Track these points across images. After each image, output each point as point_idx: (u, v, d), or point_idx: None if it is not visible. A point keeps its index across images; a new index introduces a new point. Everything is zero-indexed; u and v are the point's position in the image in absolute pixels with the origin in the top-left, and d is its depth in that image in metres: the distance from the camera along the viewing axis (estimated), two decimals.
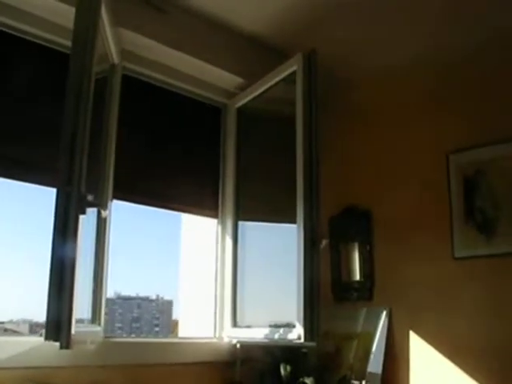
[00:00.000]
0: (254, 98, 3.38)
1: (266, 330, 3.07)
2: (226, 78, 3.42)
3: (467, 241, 3.17)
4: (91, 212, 2.60)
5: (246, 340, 3.20)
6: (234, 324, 3.29)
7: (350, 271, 3.63)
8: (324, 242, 2.77)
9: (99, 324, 2.69)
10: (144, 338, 3.36)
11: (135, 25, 2.94)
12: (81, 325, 2.55)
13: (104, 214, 2.42)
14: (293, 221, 2.91)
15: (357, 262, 3.59)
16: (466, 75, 3.33)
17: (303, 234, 2.76)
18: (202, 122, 3.52)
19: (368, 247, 3.54)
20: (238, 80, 3.44)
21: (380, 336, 3.34)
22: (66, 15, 2.41)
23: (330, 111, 3.64)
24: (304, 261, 2.72)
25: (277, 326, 3.09)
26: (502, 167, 3.10)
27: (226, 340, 3.27)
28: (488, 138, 3.15)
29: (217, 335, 3.32)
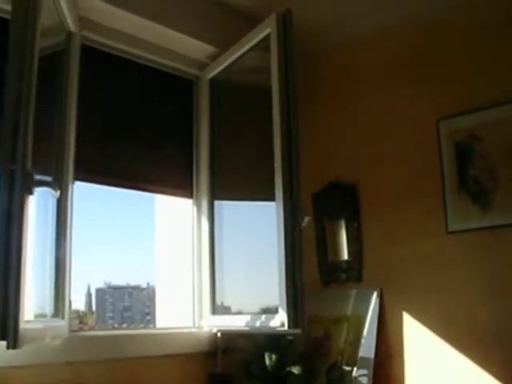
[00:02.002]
0: (227, 68, 3.14)
1: (248, 317, 2.83)
2: (197, 48, 3.16)
3: (461, 213, 2.94)
4: (48, 194, 2.39)
5: (226, 328, 2.97)
6: (214, 311, 3.06)
7: (336, 251, 3.41)
8: (306, 220, 2.54)
9: (63, 317, 2.46)
10: (118, 329, 3.11)
11: None
12: (42, 319, 2.33)
13: (56, 194, 2.17)
14: (273, 198, 2.67)
15: (344, 241, 3.37)
16: (453, 35, 3.09)
17: (283, 211, 2.53)
18: (172, 95, 3.26)
19: (355, 224, 3.31)
20: (210, 49, 3.19)
21: (371, 319, 3.12)
22: None
23: (310, 80, 3.42)
24: (285, 241, 2.49)
25: (261, 312, 2.87)
26: (498, 132, 2.86)
27: (205, 329, 3.04)
28: (482, 101, 2.91)
29: (196, 324, 3.09)
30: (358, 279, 3.29)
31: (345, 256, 3.35)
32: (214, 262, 3.11)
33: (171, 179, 3.18)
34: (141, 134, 3.06)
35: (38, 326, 2.17)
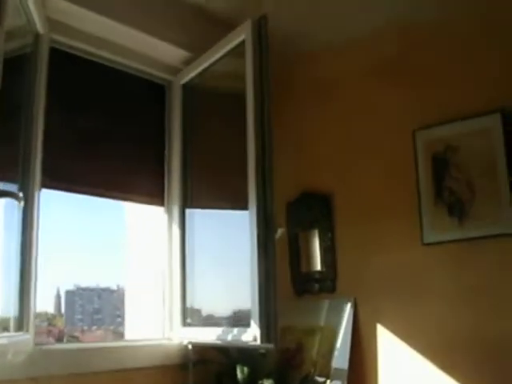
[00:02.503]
0: (201, 74, 3.06)
1: (220, 330, 2.76)
2: (170, 52, 3.08)
3: (437, 224, 2.92)
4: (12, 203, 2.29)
5: (198, 341, 2.89)
6: (185, 323, 2.98)
7: (310, 261, 3.35)
8: (280, 231, 2.49)
9: (27, 330, 2.36)
10: (85, 343, 3.02)
11: None
12: (5, 334, 2.23)
13: (21, 204, 2.08)
14: (246, 207, 2.61)
15: (318, 251, 3.32)
16: (430, 44, 3.06)
17: (256, 221, 2.47)
18: (143, 100, 3.18)
19: (329, 234, 3.27)
20: (183, 54, 3.11)
21: (345, 330, 3.08)
22: None
23: (283, 88, 3.37)
24: (258, 253, 2.43)
25: (232, 320, 2.81)
26: (474, 143, 2.84)
27: (176, 341, 2.96)
28: (458, 112, 2.89)
29: (166, 335, 3.00)
30: (332, 290, 3.24)
31: (318, 266, 3.31)
32: (185, 271, 3.03)
33: (142, 186, 3.09)
34: (111, 139, 2.96)
35: (2, 341, 2.08)
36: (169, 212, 3.12)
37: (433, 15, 2.98)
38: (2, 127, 1.90)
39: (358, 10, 3.06)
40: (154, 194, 3.12)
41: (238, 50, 2.76)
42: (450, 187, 2.89)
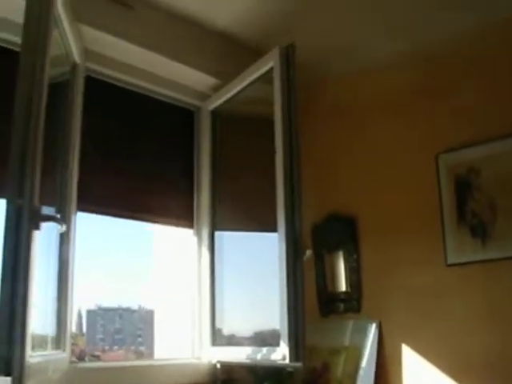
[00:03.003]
0: (229, 99, 3.15)
1: (249, 350, 2.83)
2: (199, 79, 3.19)
3: (460, 246, 2.97)
4: (52, 225, 2.39)
5: (226, 360, 2.96)
6: (214, 342, 3.04)
7: (336, 281, 3.41)
8: (308, 253, 2.55)
9: (64, 349, 2.45)
10: (120, 361, 3.09)
11: (99, 22, 2.70)
12: (43, 352, 2.31)
13: (61, 229, 2.17)
14: (274, 229, 2.68)
15: (343, 272, 3.37)
16: (454, 69, 3.14)
17: (285, 244, 2.54)
18: (174, 125, 3.29)
19: (354, 256, 3.33)
20: (212, 80, 3.21)
21: (370, 350, 3.12)
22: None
23: (310, 111, 3.45)
24: (287, 275, 2.49)
25: (260, 341, 2.87)
26: (497, 166, 2.90)
27: (205, 360, 3.02)
28: (481, 135, 2.95)
29: (195, 355, 3.07)
30: (357, 310, 3.29)
31: (344, 287, 3.36)
32: (214, 292, 3.11)
33: (172, 209, 3.18)
34: (142, 164, 3.06)
35: (41, 359, 2.16)
36: (198, 234, 3.20)
37: (454, 40, 3.07)
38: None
39: (383, 37, 3.16)
40: (184, 217, 3.21)
41: (266, 76, 2.85)
42: (472, 209, 2.95)
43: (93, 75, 2.86)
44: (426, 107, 3.19)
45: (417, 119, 3.22)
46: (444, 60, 3.17)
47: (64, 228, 2.17)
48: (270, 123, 2.77)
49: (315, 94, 3.57)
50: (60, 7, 2.23)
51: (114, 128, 2.99)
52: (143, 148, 3.09)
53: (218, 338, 3.09)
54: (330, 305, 3.39)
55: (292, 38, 2.79)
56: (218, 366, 2.99)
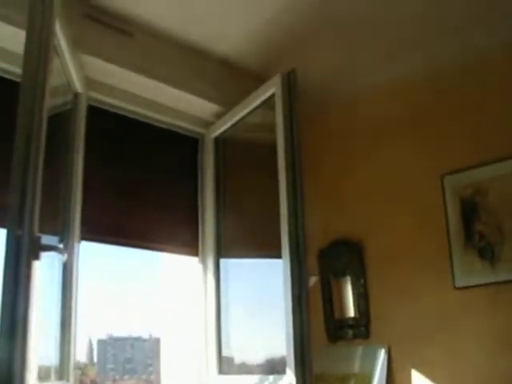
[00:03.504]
0: (232, 126, 3.15)
1: (255, 378, 2.78)
2: (202, 106, 3.19)
3: (468, 268, 2.93)
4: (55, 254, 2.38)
5: None
6: (221, 371, 3.00)
7: (343, 308, 3.37)
8: (313, 279, 2.52)
9: (67, 379, 2.41)
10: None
11: (99, 51, 2.72)
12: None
13: (64, 258, 2.16)
14: (279, 255, 2.66)
15: (350, 298, 3.34)
16: (457, 90, 3.13)
17: (290, 270, 2.50)
18: (177, 153, 3.28)
19: (362, 281, 3.29)
20: (215, 107, 3.21)
21: (379, 376, 3.08)
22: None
23: (313, 137, 3.44)
24: (292, 301, 2.46)
25: (270, 370, 2.83)
26: (503, 187, 2.87)
27: None
28: (486, 156, 2.93)
29: (203, 383, 3.03)
30: (366, 336, 3.25)
31: (351, 313, 3.32)
32: (220, 319, 3.07)
33: (177, 237, 3.17)
34: (146, 192, 3.06)
35: None
36: (203, 262, 3.17)
37: (457, 61, 3.06)
38: (43, 180, 1.98)
39: (384, 61, 3.16)
40: (189, 245, 3.18)
41: (269, 103, 2.85)
42: (480, 231, 2.91)
43: (95, 104, 2.87)
44: (429, 129, 3.18)
45: (421, 141, 3.20)
46: (447, 82, 3.16)
47: (66, 257, 2.16)
48: (274, 148, 2.76)
49: (318, 120, 3.56)
50: (60, 36, 2.24)
51: (118, 157, 2.99)
52: (148, 176, 3.08)
53: (226, 366, 3.05)
54: (338, 331, 3.35)
55: (293, 64, 2.80)
56: None
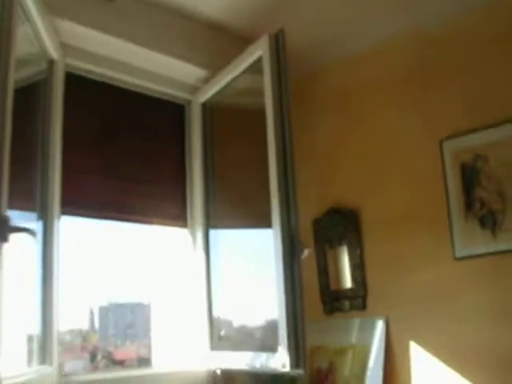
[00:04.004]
0: (220, 92, 2.99)
1: (249, 354, 2.67)
2: (187, 71, 3.03)
3: (469, 238, 2.80)
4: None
5: (226, 367, 2.81)
6: (213, 347, 2.90)
7: (339, 278, 3.26)
8: (306, 252, 2.39)
9: (51, 364, 2.30)
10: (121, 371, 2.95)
11: (79, 15, 2.56)
12: (27, 370, 2.18)
13: (35, 240, 2.03)
14: (271, 225, 2.52)
15: (347, 268, 3.22)
16: (455, 50, 2.96)
17: (281, 243, 2.37)
18: (162, 121, 3.12)
19: (358, 251, 3.17)
20: (201, 72, 3.05)
21: (377, 349, 2.98)
22: None
23: (305, 100, 3.29)
24: (284, 277, 2.33)
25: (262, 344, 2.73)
26: (505, 151, 2.72)
27: (204, 367, 2.87)
28: (487, 119, 2.77)
29: (193, 360, 2.92)
30: (363, 307, 3.14)
31: (348, 284, 3.21)
32: (211, 293, 2.96)
33: (164, 210, 3.02)
34: (131, 163, 2.91)
35: (26, 377, 2.03)
36: (192, 234, 3.05)
37: (455, 18, 2.89)
38: (19, 155, 1.84)
39: (378, 18, 2.98)
40: (177, 217, 3.05)
41: (258, 66, 2.69)
42: (480, 198, 2.78)
43: (74, 72, 2.71)
44: (426, 91, 3.02)
45: (417, 104, 3.04)
46: (445, 41, 2.98)
47: (37, 240, 2.03)
48: (263, 112, 2.61)
49: (310, 83, 3.42)
50: (30, 3, 2.08)
51: (100, 127, 2.83)
52: (132, 146, 2.93)
53: (218, 340, 2.95)
54: (335, 303, 3.24)
55: (282, 24, 2.63)
56: (219, 372, 2.85)
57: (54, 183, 2.46)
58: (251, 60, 2.70)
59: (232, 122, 3.13)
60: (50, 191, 2.43)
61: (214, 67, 3.01)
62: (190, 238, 3.05)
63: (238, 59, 2.78)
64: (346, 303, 3.19)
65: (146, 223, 3.00)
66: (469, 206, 2.81)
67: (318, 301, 3.28)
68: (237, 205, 3.06)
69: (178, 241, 3.09)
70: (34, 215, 2.42)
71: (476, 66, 2.88)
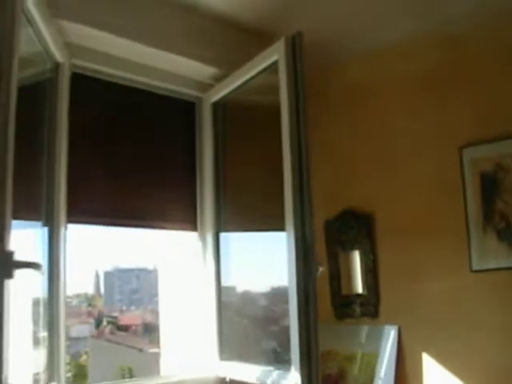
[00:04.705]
0: (232, 91, 2.87)
1: (258, 369, 2.61)
2: (197, 69, 2.90)
3: (487, 250, 2.72)
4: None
5: (236, 377, 2.75)
6: (222, 356, 2.84)
7: (351, 283, 3.17)
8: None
9: (59, 382, 2.25)
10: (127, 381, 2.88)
11: (82, 15, 2.43)
12: None
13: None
14: (284, 228, 2.42)
15: (359, 273, 3.13)
16: (478, 53, 2.82)
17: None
18: (171, 120, 3.00)
19: (371, 256, 3.08)
20: (211, 70, 2.93)
21: (389, 358, 2.92)
22: None
23: (322, 98, 3.16)
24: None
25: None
26: None
27: (213, 375, 2.82)
28: (508, 129, 2.66)
29: (203, 369, 2.86)
30: (374, 315, 3.07)
31: (360, 289, 3.13)
32: (221, 303, 2.88)
33: (173, 213, 2.93)
34: (139, 165, 2.81)
35: None
36: (202, 237, 2.96)
37: (480, 22, 2.75)
38: (22, 161, 1.75)
39: (403, 14, 2.82)
40: (188, 220, 2.96)
41: (272, 68, 2.56)
42: (500, 211, 2.68)
43: (81, 72, 2.60)
44: (448, 94, 2.90)
45: (437, 108, 2.92)
46: (468, 44, 2.86)
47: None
48: (277, 112, 2.50)
49: (326, 76, 3.27)
50: (31, 5, 1.97)
51: (106, 128, 2.73)
52: (139, 148, 2.83)
53: (227, 350, 2.88)
54: (346, 308, 3.16)
55: (299, 21, 2.51)
56: (228, 379, 2.79)
57: (60, 190, 2.39)
58: (267, 63, 2.58)
59: (244, 120, 3.00)
60: (55, 198, 2.37)
61: (225, 64, 2.90)
62: (199, 242, 2.96)
63: (253, 61, 2.65)
64: (358, 309, 3.12)
65: (155, 228, 2.92)
66: (488, 217, 2.72)
67: (329, 305, 3.21)
68: (249, 207, 2.96)
69: (188, 245, 3.01)
70: (38, 224, 2.35)
71: (500, 70, 2.75)
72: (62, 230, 2.38)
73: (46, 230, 2.36)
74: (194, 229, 2.97)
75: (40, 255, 2.29)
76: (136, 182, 2.79)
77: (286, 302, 2.34)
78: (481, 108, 2.78)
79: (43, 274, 1.99)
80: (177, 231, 3.00)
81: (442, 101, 2.92)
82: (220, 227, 2.96)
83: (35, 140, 2.36)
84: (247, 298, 3.06)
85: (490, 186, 2.72)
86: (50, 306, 2.28)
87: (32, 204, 2.34)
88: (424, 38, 2.95)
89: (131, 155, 2.79)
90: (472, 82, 2.83)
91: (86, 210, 2.60)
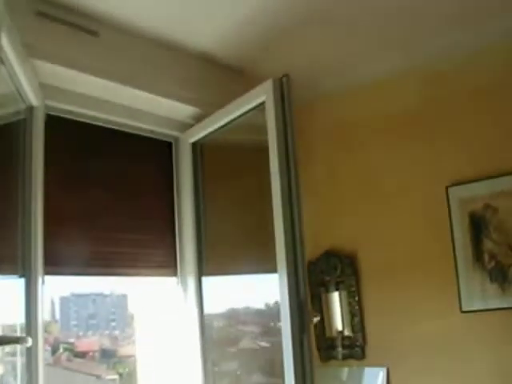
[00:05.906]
0: (213, 132, 2.77)
1: None
2: (175, 108, 2.80)
3: (477, 291, 2.68)
4: None
5: None
6: None
7: (335, 325, 3.09)
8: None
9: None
10: None
11: (58, 54, 2.31)
12: None
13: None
14: (269, 270, 2.35)
15: (343, 315, 3.06)
16: (461, 93, 2.81)
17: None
18: (148, 160, 2.88)
19: (356, 297, 3.01)
20: (190, 109, 2.83)
21: None
22: None
23: (302, 138, 3.07)
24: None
25: None
26: None
27: None
28: (498, 167, 2.64)
29: None
30: (361, 357, 3.00)
31: (345, 331, 3.05)
32: (206, 349, 2.76)
33: (151, 258, 2.80)
34: (116, 210, 2.68)
35: None
36: (183, 282, 2.84)
37: (464, 58, 2.75)
38: None
39: (379, 52, 2.81)
40: (165, 265, 2.84)
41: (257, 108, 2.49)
42: (489, 250, 2.65)
43: (56, 114, 2.47)
44: (432, 132, 2.88)
45: (423, 145, 2.90)
46: (449, 81, 2.85)
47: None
48: (260, 151, 2.41)
49: (311, 117, 3.22)
50: (4, 40, 1.84)
51: (82, 171, 2.59)
52: (116, 191, 2.70)
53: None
54: (330, 350, 3.08)
55: (280, 60, 2.49)
56: None
57: (37, 240, 2.24)
58: (252, 104, 2.50)
59: (225, 160, 2.91)
60: (32, 247, 2.21)
61: (204, 103, 2.81)
62: (180, 287, 2.84)
63: (237, 102, 2.56)
64: (343, 351, 3.04)
65: (131, 275, 2.79)
66: (477, 257, 2.69)
67: (313, 347, 3.11)
68: (232, 250, 2.86)
69: (168, 291, 2.88)
70: (14, 277, 2.21)
71: (484, 106, 2.74)
72: (40, 282, 2.24)
73: (22, 281, 2.22)
74: (174, 273, 2.84)
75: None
76: (113, 226, 2.65)
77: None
78: (468, 146, 2.77)
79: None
80: (154, 277, 2.85)
81: (429, 138, 2.88)
82: (202, 271, 2.84)
83: (8, 188, 2.23)
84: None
85: (478, 225, 2.69)
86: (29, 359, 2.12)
87: (7, 258, 2.20)
88: (409, 74, 2.93)
89: (107, 198, 2.65)
90: (459, 119, 2.81)
91: (62, 261, 2.45)
